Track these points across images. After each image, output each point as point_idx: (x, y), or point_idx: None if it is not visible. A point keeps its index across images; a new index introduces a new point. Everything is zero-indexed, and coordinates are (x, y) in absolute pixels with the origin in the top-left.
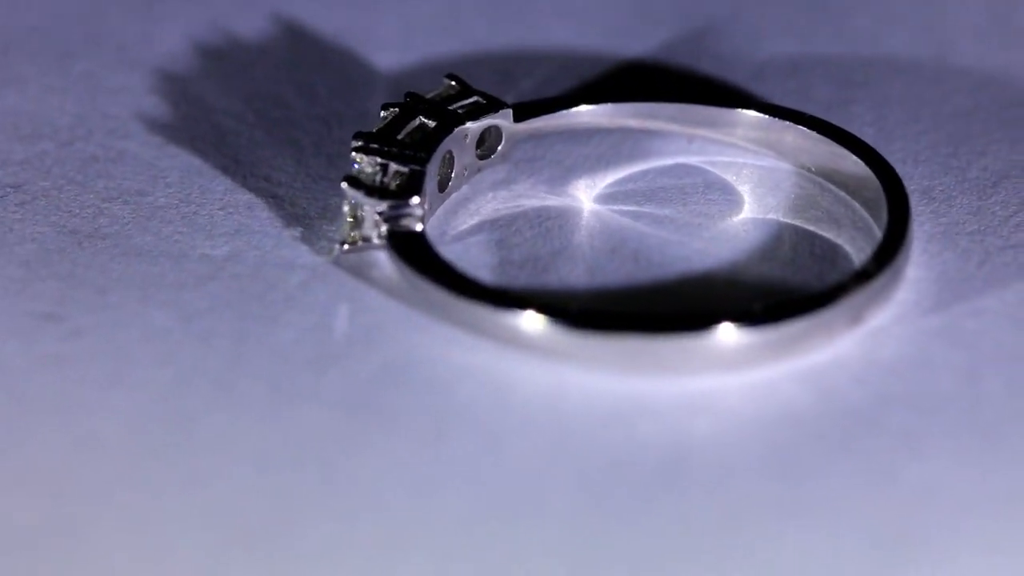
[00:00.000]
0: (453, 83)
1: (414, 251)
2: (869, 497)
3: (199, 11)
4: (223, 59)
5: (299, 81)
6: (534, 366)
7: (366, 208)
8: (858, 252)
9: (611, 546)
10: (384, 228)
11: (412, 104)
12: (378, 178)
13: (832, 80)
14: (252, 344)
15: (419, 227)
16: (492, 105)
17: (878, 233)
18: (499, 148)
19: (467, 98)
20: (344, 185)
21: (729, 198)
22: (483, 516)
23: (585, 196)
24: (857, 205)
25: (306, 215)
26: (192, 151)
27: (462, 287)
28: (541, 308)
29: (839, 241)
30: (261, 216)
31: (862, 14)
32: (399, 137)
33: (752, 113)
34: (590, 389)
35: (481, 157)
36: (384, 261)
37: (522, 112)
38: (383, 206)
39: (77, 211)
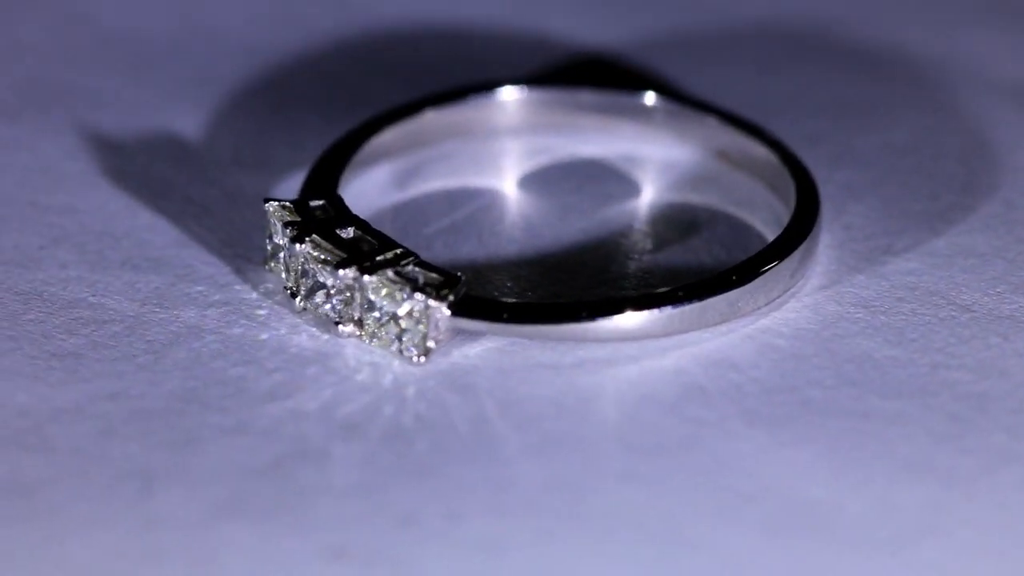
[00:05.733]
0: (284, 204)
1: (492, 309)
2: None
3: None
4: None
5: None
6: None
7: (431, 307)
8: (768, 232)
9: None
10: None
11: (308, 226)
12: (418, 281)
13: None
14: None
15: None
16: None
17: (785, 215)
18: None
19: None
20: (417, 295)
21: (638, 183)
22: None
23: (500, 183)
24: (765, 189)
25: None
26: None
27: (560, 314)
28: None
29: (750, 222)
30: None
31: None
32: (365, 250)
33: (665, 102)
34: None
35: None
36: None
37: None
38: (450, 298)
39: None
